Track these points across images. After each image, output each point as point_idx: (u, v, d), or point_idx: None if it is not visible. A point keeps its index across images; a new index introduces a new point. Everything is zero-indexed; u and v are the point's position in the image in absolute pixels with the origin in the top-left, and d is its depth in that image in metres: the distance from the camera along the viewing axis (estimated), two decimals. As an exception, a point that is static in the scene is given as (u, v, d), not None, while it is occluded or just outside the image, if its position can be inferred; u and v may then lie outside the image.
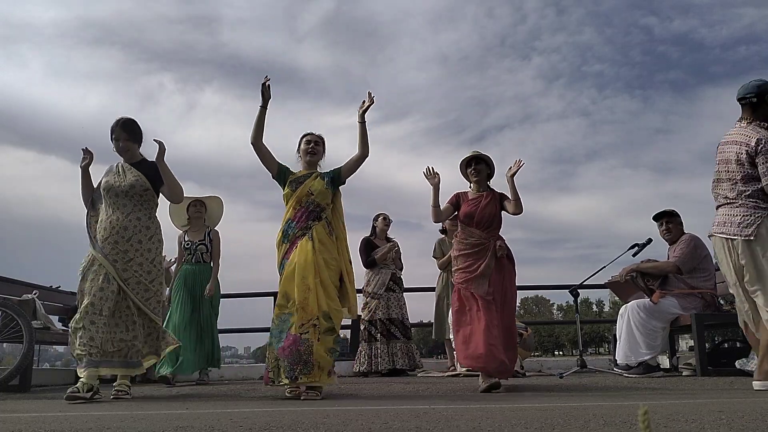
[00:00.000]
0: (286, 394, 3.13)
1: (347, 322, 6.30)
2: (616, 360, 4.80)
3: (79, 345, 3.20)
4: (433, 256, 5.91)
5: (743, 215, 3.12)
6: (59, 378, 5.89)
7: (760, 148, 3.06)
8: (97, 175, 3.64)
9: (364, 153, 3.52)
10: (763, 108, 3.18)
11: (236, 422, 1.93)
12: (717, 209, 3.29)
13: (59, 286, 5.93)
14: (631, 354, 4.50)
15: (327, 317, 3.17)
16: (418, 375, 5.38)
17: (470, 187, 3.82)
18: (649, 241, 4.89)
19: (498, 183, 3.86)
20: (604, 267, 5.20)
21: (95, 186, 3.59)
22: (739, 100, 3.26)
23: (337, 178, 3.52)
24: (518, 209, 3.63)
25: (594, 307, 75.11)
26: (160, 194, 3.58)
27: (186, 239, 5.06)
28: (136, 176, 3.48)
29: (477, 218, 3.63)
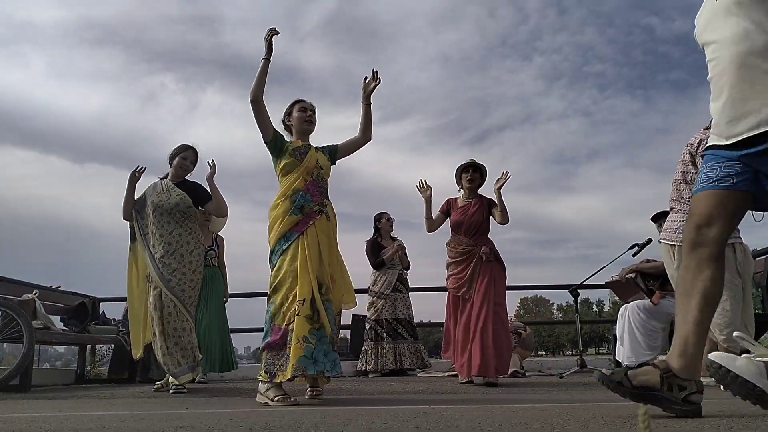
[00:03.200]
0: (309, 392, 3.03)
1: (347, 321, 6.31)
2: (617, 360, 4.79)
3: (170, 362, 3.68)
4: None
5: (680, 221, 3.20)
6: (59, 378, 5.90)
7: (700, 149, 3.16)
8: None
9: (366, 138, 3.25)
10: None
11: (236, 422, 1.93)
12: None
13: (59, 286, 5.94)
14: (632, 354, 4.50)
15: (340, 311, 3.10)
16: (418, 375, 5.38)
17: (460, 192, 4.09)
18: (649, 241, 4.89)
19: (487, 190, 4.14)
20: (604, 267, 5.21)
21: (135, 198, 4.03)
22: None
23: (333, 155, 3.26)
24: (505, 220, 3.91)
25: (594, 307, 75.05)
26: (205, 209, 4.06)
27: None
28: (179, 195, 3.92)
29: (465, 226, 3.93)
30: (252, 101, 3.04)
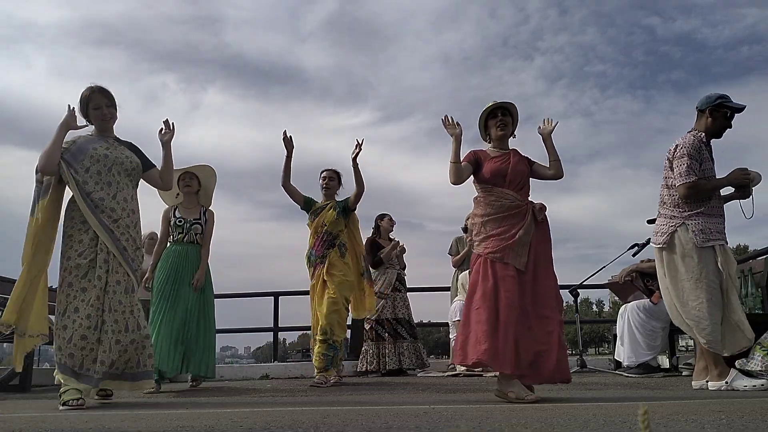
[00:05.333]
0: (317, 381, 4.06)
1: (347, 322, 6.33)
2: (617, 360, 4.78)
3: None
4: (449, 253, 5.95)
5: (660, 224, 3.28)
6: (59, 378, 5.89)
7: (675, 153, 3.21)
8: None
9: (360, 190, 4.17)
10: (704, 119, 3.25)
11: (236, 422, 1.93)
12: None
13: (59, 286, 5.92)
14: (632, 354, 4.51)
15: (323, 331, 4.04)
16: (418, 375, 5.38)
17: (489, 144, 3.11)
18: (649, 241, 4.89)
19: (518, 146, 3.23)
20: (604, 267, 5.23)
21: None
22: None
23: (347, 207, 4.22)
24: (560, 172, 3.03)
25: (594, 307, 75.01)
26: (146, 178, 3.21)
27: (177, 215, 4.25)
28: (131, 152, 3.08)
29: (510, 176, 2.92)
30: (282, 187, 4.23)
